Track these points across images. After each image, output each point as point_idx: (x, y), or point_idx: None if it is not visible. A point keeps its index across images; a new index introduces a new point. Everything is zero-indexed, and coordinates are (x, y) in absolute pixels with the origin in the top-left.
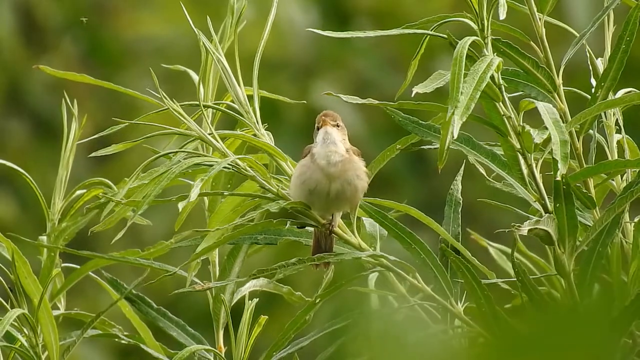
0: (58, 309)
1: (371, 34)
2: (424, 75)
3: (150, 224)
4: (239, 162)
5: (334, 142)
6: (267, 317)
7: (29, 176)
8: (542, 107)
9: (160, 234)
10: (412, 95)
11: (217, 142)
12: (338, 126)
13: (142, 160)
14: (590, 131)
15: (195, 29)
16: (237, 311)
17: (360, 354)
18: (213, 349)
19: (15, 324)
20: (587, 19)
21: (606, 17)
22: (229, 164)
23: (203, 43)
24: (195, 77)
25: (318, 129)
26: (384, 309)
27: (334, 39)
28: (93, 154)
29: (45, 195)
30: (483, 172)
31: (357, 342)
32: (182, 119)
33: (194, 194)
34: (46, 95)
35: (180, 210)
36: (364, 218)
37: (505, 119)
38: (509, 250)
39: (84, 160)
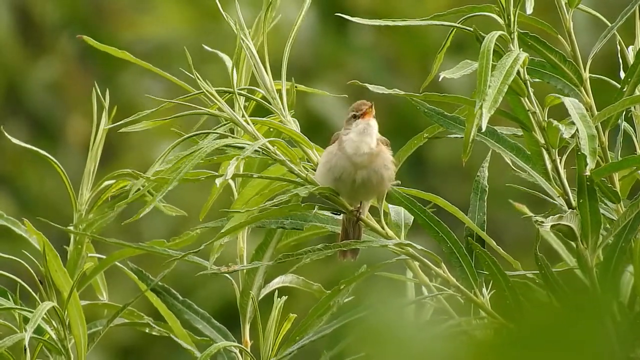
0: (85, 299)
1: (400, 23)
2: (424, 77)
3: (185, 214)
4: (269, 145)
5: (371, 135)
6: (295, 315)
7: (56, 161)
8: (569, 102)
9: (160, 237)
10: (440, 79)
11: (249, 125)
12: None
13: (143, 161)
14: (618, 121)
15: (227, 17)
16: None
17: (372, 346)
18: (240, 345)
19: (45, 316)
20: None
21: (637, 9)
22: (259, 147)
23: (237, 32)
24: (229, 63)
25: (355, 117)
26: (399, 299)
27: (331, 41)
28: (122, 130)
29: (46, 195)
30: (509, 162)
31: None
32: (215, 100)
33: (229, 172)
34: (44, 96)
35: (217, 186)
36: (390, 206)
37: (530, 114)
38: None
39: (84, 161)
